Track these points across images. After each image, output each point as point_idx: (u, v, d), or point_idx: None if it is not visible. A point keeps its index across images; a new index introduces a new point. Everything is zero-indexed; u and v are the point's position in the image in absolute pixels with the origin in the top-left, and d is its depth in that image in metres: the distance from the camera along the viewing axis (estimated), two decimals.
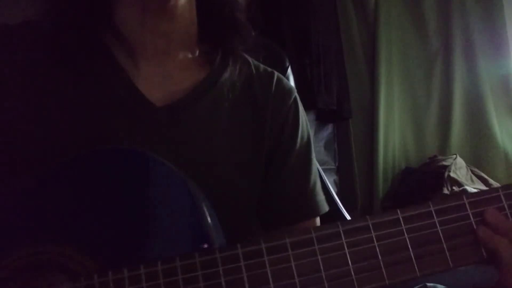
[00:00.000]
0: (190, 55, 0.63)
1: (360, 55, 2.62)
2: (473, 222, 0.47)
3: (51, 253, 0.46)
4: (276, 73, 0.69)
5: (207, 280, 0.43)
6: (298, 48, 2.14)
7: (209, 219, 0.49)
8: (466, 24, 2.47)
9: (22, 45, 0.57)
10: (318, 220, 0.69)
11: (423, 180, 2.29)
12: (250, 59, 0.68)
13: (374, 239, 0.45)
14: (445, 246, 0.46)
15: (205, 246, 0.48)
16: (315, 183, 0.69)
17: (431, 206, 0.47)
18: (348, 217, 0.90)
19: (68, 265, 0.46)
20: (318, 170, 0.93)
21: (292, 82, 0.94)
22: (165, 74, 0.60)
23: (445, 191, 2.11)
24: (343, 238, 0.45)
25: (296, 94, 0.70)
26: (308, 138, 0.69)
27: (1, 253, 0.46)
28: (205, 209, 0.50)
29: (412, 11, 2.57)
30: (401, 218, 0.47)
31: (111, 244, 0.47)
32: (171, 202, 0.50)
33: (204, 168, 0.58)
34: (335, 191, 2.09)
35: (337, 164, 2.49)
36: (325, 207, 0.69)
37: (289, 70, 0.93)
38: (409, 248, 0.46)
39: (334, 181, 2.44)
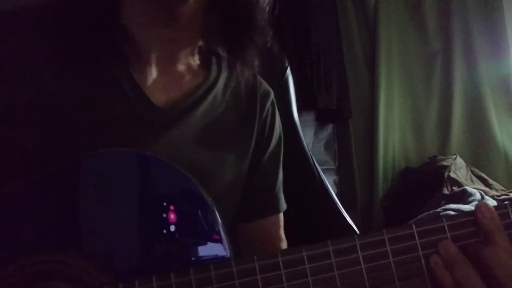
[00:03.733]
0: (191, 59, 0.64)
1: (360, 55, 2.62)
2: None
3: (56, 262, 0.45)
4: (257, 76, 0.71)
5: None
6: (298, 48, 2.14)
7: (220, 221, 0.49)
8: (466, 24, 2.47)
9: (19, 33, 0.55)
10: (281, 215, 0.71)
11: (423, 180, 2.29)
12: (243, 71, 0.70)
13: (389, 253, 0.45)
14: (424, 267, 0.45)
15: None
16: (280, 182, 0.72)
17: (414, 228, 0.46)
18: (348, 217, 0.90)
19: (74, 275, 0.44)
20: (318, 169, 0.93)
21: (292, 82, 0.94)
22: (169, 77, 0.61)
23: (445, 191, 2.11)
24: (359, 252, 0.44)
25: (273, 95, 0.73)
26: (280, 139, 0.72)
27: (4, 262, 0.45)
28: (217, 213, 0.49)
29: (412, 11, 2.57)
30: (415, 233, 0.46)
31: (120, 253, 0.45)
32: (184, 208, 0.49)
33: (203, 169, 0.59)
34: (335, 191, 2.09)
35: (337, 164, 2.49)
36: (284, 205, 0.72)
37: (288, 70, 0.93)
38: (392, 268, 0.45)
39: (334, 181, 2.44)
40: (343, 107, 2.36)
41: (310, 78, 2.16)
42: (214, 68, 0.66)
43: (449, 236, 0.46)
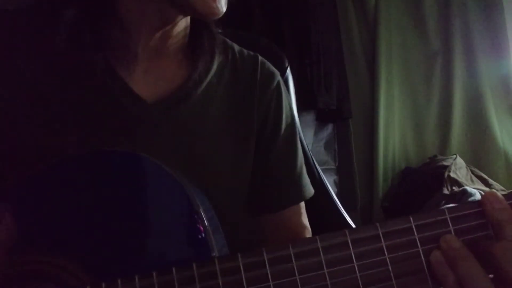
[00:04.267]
0: (181, 53, 0.63)
1: (360, 55, 2.62)
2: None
3: (42, 263, 0.44)
4: (259, 57, 0.68)
5: None
6: (298, 48, 2.14)
7: (207, 223, 0.47)
8: (466, 24, 2.47)
9: (6, 34, 0.55)
10: (302, 204, 0.68)
11: (423, 180, 2.29)
12: (234, 46, 0.68)
13: (385, 249, 0.42)
14: (424, 263, 0.42)
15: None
16: (301, 167, 0.68)
17: (412, 221, 0.43)
18: (348, 217, 0.90)
19: (60, 276, 0.44)
20: (317, 169, 0.93)
21: (291, 82, 0.94)
22: (158, 71, 0.60)
23: (445, 191, 2.11)
24: (351, 248, 0.42)
25: (279, 77, 0.69)
26: (292, 122, 0.69)
27: None
28: (203, 214, 0.48)
29: (412, 11, 2.57)
30: (413, 226, 0.42)
31: (104, 254, 0.45)
32: (168, 209, 0.48)
33: (197, 162, 0.58)
34: (335, 191, 2.09)
35: (337, 164, 2.49)
36: (311, 190, 0.68)
37: (288, 70, 0.93)
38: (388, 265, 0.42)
39: (334, 181, 2.44)
40: (343, 107, 2.36)
41: (310, 78, 2.16)
42: (204, 58, 0.64)
43: (452, 230, 0.42)
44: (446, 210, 0.43)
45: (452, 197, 2.06)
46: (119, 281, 0.41)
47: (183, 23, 0.60)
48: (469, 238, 0.42)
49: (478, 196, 1.98)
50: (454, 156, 2.33)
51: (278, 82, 0.68)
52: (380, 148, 2.50)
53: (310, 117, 2.27)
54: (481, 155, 2.44)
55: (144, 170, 0.49)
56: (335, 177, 2.46)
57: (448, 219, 0.43)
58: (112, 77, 0.56)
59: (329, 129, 2.46)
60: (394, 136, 2.55)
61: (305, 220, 0.69)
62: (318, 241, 0.42)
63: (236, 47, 0.68)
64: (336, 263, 0.42)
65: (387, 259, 0.42)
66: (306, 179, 0.69)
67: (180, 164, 0.50)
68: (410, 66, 2.56)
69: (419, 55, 2.56)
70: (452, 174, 2.18)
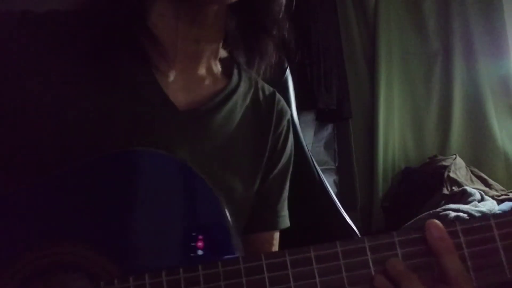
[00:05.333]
0: (213, 64, 0.65)
1: (360, 55, 2.62)
2: (499, 245, 0.44)
3: (71, 254, 0.46)
4: (276, 94, 0.72)
5: None
6: (298, 48, 2.14)
7: (230, 222, 0.50)
8: (466, 24, 2.47)
9: (48, 35, 0.56)
10: (276, 234, 0.70)
11: (423, 180, 2.29)
12: (257, 77, 0.71)
13: (400, 256, 0.44)
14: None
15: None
16: (285, 200, 0.71)
17: (457, 225, 0.44)
18: (348, 218, 0.90)
19: (88, 268, 0.45)
20: (317, 169, 0.93)
21: (291, 82, 0.94)
22: (191, 79, 0.62)
23: (445, 191, 2.12)
24: (369, 255, 0.44)
25: (289, 115, 0.73)
26: (290, 158, 0.72)
27: (21, 252, 0.46)
28: (228, 214, 0.50)
29: (412, 11, 2.57)
30: (367, 248, 0.44)
31: (133, 248, 0.47)
32: (195, 207, 0.50)
33: (218, 172, 0.60)
34: (335, 191, 2.09)
35: (337, 164, 2.50)
36: (286, 223, 0.71)
37: (288, 70, 0.93)
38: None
39: (334, 181, 2.44)
40: (343, 107, 2.36)
41: (310, 78, 2.16)
42: (235, 75, 0.66)
43: (399, 253, 0.44)
44: (394, 233, 0.45)
45: (452, 197, 2.06)
46: (146, 275, 0.42)
47: (213, 27, 0.61)
48: (414, 262, 0.44)
49: (477, 196, 1.98)
50: (454, 156, 2.33)
51: (289, 120, 0.73)
52: (380, 148, 2.51)
53: (310, 117, 2.28)
54: (481, 155, 2.44)
55: (175, 170, 0.51)
56: (335, 177, 2.46)
57: (396, 242, 0.44)
58: (148, 79, 0.57)
59: (329, 129, 2.46)
60: (394, 136, 2.55)
61: (275, 249, 0.71)
62: (338, 246, 0.44)
63: (260, 80, 0.71)
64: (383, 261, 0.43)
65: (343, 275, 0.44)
66: (285, 212, 0.71)
67: (202, 172, 0.52)
68: (410, 66, 2.56)
69: (419, 55, 2.56)
70: (452, 174, 2.18)
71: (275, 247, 0.71)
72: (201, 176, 0.51)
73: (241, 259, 0.43)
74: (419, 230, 0.44)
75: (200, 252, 0.47)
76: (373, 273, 0.43)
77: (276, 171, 0.69)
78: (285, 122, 0.71)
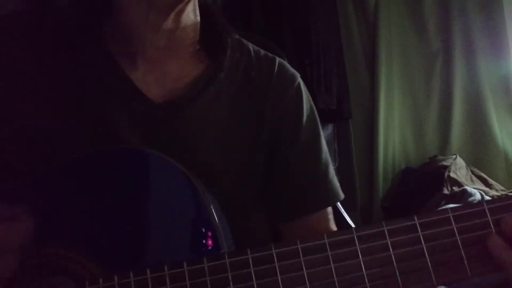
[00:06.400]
0: (190, 50, 0.62)
1: (360, 55, 2.62)
2: (493, 230, 0.44)
3: (55, 255, 0.45)
4: (277, 60, 0.67)
5: (215, 286, 0.42)
6: (298, 48, 2.14)
7: (217, 220, 0.48)
8: (466, 24, 2.47)
9: (12, 36, 0.56)
10: (330, 209, 0.66)
11: (423, 180, 2.29)
12: (250, 46, 0.66)
13: (390, 246, 0.43)
14: (463, 253, 0.44)
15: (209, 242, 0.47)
16: (325, 171, 0.65)
17: (449, 212, 0.44)
18: (348, 217, 0.90)
19: (73, 269, 0.45)
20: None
21: None
22: (164, 70, 0.59)
23: (445, 191, 2.11)
24: (357, 245, 0.43)
25: (299, 79, 0.67)
26: (315, 125, 0.66)
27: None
28: (213, 211, 0.49)
29: (412, 11, 2.57)
30: (418, 224, 0.44)
31: (117, 248, 0.46)
32: (179, 204, 0.49)
33: (202, 164, 0.57)
34: None
35: (337, 164, 2.49)
36: (339, 196, 0.66)
37: None
38: (425, 255, 0.44)
39: None
40: (343, 107, 2.36)
41: (310, 78, 2.16)
42: (216, 56, 0.62)
43: (389, 242, 0.44)
44: (484, 203, 0.45)
45: (452, 197, 2.06)
46: (131, 273, 0.42)
47: (189, 18, 0.59)
48: (405, 251, 0.44)
49: (478, 196, 1.98)
50: (454, 156, 2.33)
51: (298, 85, 0.67)
52: (380, 148, 2.50)
53: None
54: (481, 155, 2.44)
55: (154, 167, 0.50)
56: None
57: (486, 210, 0.44)
58: (117, 75, 0.56)
59: (329, 129, 2.46)
60: (394, 136, 2.55)
61: (333, 226, 0.66)
62: (354, 232, 0.43)
63: (253, 47, 0.66)
64: (343, 258, 0.43)
65: (424, 247, 0.43)
66: (332, 184, 0.66)
67: (186, 165, 0.50)
68: (410, 66, 2.56)
69: (419, 55, 2.56)
70: (452, 174, 2.18)
71: (331, 223, 0.66)
72: (186, 172, 0.49)
73: (226, 254, 0.43)
74: (408, 218, 0.44)
75: (187, 251, 0.47)
76: (362, 263, 0.43)
77: (298, 146, 0.63)
78: (291, 91, 0.65)
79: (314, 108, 0.68)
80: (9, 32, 0.56)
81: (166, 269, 0.42)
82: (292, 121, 0.64)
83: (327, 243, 0.43)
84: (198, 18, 0.61)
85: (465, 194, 2.00)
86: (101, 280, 0.42)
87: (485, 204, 0.45)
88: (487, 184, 2.25)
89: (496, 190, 2.19)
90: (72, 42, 0.55)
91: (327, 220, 0.65)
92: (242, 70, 0.64)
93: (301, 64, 2.14)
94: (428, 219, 0.44)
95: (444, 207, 1.91)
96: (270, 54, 0.67)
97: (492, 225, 0.44)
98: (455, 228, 0.44)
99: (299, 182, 0.63)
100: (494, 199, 0.46)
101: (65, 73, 0.56)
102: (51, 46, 0.55)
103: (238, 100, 0.62)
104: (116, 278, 0.42)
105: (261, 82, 0.64)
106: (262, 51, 0.67)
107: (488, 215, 0.44)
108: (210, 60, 0.62)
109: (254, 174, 0.62)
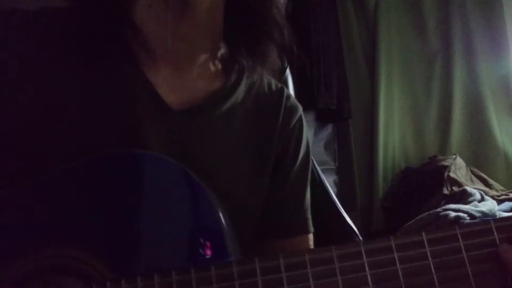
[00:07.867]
0: (210, 63, 0.63)
1: (360, 55, 2.62)
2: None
3: (64, 257, 0.46)
4: (285, 90, 0.70)
5: None
6: (298, 48, 2.14)
7: (226, 228, 0.49)
8: (466, 24, 2.48)
9: (38, 33, 0.56)
10: (310, 236, 0.69)
11: (423, 180, 2.29)
12: (263, 73, 0.69)
13: (397, 260, 0.44)
14: (469, 271, 0.44)
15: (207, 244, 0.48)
16: (308, 202, 0.70)
17: (457, 229, 0.45)
18: (348, 218, 0.90)
19: (82, 270, 0.45)
20: (317, 169, 0.93)
21: (291, 82, 0.94)
22: (184, 78, 0.60)
23: (445, 191, 2.11)
24: (365, 258, 0.44)
25: (301, 111, 0.71)
26: (308, 157, 0.70)
27: (15, 255, 0.46)
28: (222, 218, 0.49)
29: (412, 11, 2.57)
30: (425, 240, 0.45)
31: (126, 250, 0.47)
32: (189, 210, 0.50)
33: (212, 175, 0.58)
34: (334, 191, 2.09)
35: (337, 164, 2.49)
36: (311, 228, 0.69)
37: (288, 70, 0.93)
38: (432, 271, 0.44)
39: (334, 181, 2.44)
40: (343, 107, 2.36)
41: (310, 78, 2.16)
42: (234, 76, 0.64)
43: (396, 257, 0.44)
44: (492, 222, 0.46)
45: (452, 197, 2.06)
46: (138, 278, 0.42)
47: (205, 23, 0.59)
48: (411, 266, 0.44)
49: (478, 196, 1.98)
50: (454, 156, 2.33)
51: (300, 116, 0.70)
52: (380, 148, 2.51)
53: (310, 117, 2.27)
54: (481, 155, 2.44)
55: (167, 172, 0.50)
56: (335, 177, 2.46)
57: (494, 228, 0.45)
58: (140, 79, 0.56)
59: (329, 129, 2.46)
60: (394, 136, 2.55)
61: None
62: (361, 245, 0.44)
63: (266, 76, 0.69)
64: (350, 271, 0.43)
65: (431, 263, 0.44)
66: (309, 215, 0.69)
67: (198, 174, 0.51)
68: (410, 66, 2.57)
69: (419, 55, 2.56)
70: (452, 174, 2.18)
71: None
72: (196, 178, 0.50)
73: (234, 263, 0.43)
74: (416, 233, 0.45)
75: (195, 255, 0.47)
76: (368, 276, 0.43)
77: (294, 171, 0.67)
78: (295, 120, 0.68)
79: (309, 141, 0.72)
80: (38, 28, 0.56)
81: (173, 274, 0.42)
82: (293, 149, 0.67)
83: (335, 255, 0.43)
84: (220, 22, 0.61)
85: (465, 194, 2.00)
86: (108, 284, 0.42)
87: (492, 223, 0.46)
88: (487, 184, 2.26)
89: (496, 190, 2.20)
90: (96, 45, 0.55)
91: (309, 245, 0.69)
92: (255, 95, 0.66)
93: (301, 64, 2.14)
94: (436, 235, 0.45)
95: (444, 207, 1.91)
96: (279, 84, 0.71)
97: (498, 243, 0.45)
98: (462, 245, 0.45)
99: (290, 206, 0.67)
100: (502, 218, 0.47)
101: (88, 75, 0.56)
102: (75, 48, 0.55)
103: (249, 122, 0.64)
104: (123, 282, 0.42)
105: (271, 109, 0.67)
106: (273, 80, 0.70)
107: (495, 233, 0.45)
108: (228, 78, 0.64)
109: (259, 193, 0.64)
